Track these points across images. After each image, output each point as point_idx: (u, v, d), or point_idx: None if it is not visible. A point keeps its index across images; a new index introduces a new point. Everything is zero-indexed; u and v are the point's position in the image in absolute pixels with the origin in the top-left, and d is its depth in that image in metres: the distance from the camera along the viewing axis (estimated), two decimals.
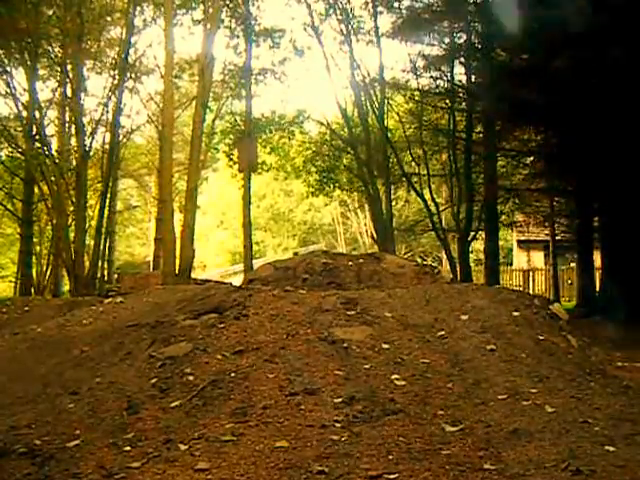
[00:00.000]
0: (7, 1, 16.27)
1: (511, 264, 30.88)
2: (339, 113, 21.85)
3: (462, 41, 17.27)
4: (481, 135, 18.44)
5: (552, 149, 15.25)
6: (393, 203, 21.96)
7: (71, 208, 18.88)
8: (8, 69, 19.57)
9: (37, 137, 19.25)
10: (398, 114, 21.14)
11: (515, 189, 18.09)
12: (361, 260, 8.53)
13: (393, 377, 4.24)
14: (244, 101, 20.60)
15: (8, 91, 19.73)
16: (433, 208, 19.55)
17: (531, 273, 27.13)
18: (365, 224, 33.02)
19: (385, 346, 4.67)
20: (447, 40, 17.97)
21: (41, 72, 20.84)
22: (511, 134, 16.38)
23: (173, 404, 4.05)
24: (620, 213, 12.59)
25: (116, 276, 21.40)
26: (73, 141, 20.77)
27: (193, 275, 17.51)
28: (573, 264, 21.77)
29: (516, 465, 3.15)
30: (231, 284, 8.22)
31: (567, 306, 13.01)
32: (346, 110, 21.29)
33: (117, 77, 20.32)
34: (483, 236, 19.24)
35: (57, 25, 18.92)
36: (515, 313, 5.40)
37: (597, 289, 14.74)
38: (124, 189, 30.34)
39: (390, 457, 3.29)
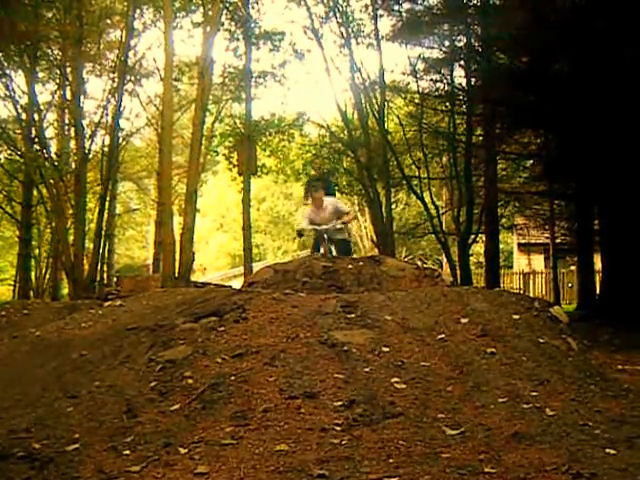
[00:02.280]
0: (6, 3, 16.28)
1: (511, 267, 30.93)
2: (339, 116, 21.87)
3: (462, 44, 17.31)
4: (481, 138, 18.47)
5: (552, 152, 15.29)
6: (393, 206, 21.98)
7: (70, 211, 18.91)
8: (7, 72, 19.61)
9: (36, 140, 19.29)
10: (398, 117, 21.15)
11: (515, 192, 18.14)
12: (361, 263, 8.50)
13: (393, 380, 4.23)
14: (244, 104, 20.62)
15: (7, 93, 19.78)
16: (433, 211, 19.56)
17: (531, 276, 27.18)
18: (365, 227, 33.02)
19: (385, 349, 4.66)
20: (447, 43, 18.03)
21: (40, 75, 20.87)
22: (511, 137, 16.42)
23: (173, 408, 4.04)
24: (620, 216, 12.60)
25: (115, 279, 21.45)
26: (72, 144, 20.83)
27: (193, 278, 17.53)
28: (573, 267, 21.82)
29: (516, 468, 3.14)
30: (231, 287, 8.20)
31: (567, 309, 13.01)
32: (346, 113, 21.31)
33: (116, 80, 20.35)
34: (483, 239, 19.26)
35: (56, 28, 18.93)
36: (515, 316, 5.39)
37: (597, 292, 14.76)
38: (123, 192, 30.37)
39: (390, 460, 3.28)
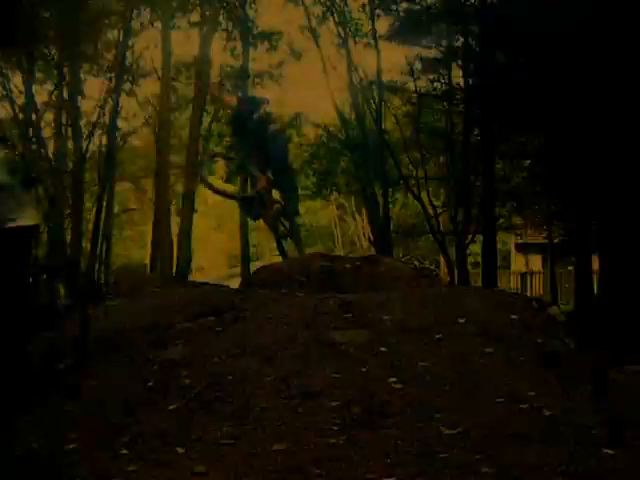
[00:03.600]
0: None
1: (509, 267, 30.87)
2: (336, 115, 21.87)
3: (460, 44, 17.32)
4: (479, 138, 18.46)
5: (550, 152, 15.28)
6: (390, 206, 21.98)
7: (68, 211, 18.88)
8: (4, 72, 19.57)
9: (34, 140, 19.24)
10: (395, 116, 21.15)
11: (513, 192, 18.11)
12: (359, 263, 8.50)
13: (390, 380, 4.23)
14: None
15: (4, 94, 19.75)
16: (431, 211, 19.55)
17: (529, 276, 27.12)
18: (363, 227, 33.00)
19: (383, 349, 4.66)
20: (445, 43, 18.03)
21: (38, 75, 20.82)
22: (509, 137, 16.40)
23: (170, 407, 4.04)
24: (618, 216, 12.59)
25: (113, 279, 21.40)
26: (70, 144, 20.77)
27: (190, 278, 17.50)
28: (571, 267, 21.79)
29: (514, 469, 3.14)
30: (228, 287, 8.20)
31: (565, 309, 13.00)
32: (343, 112, 21.30)
33: (114, 80, 20.33)
34: (481, 239, 19.25)
35: (54, 28, 18.90)
36: (513, 316, 5.39)
37: (595, 292, 14.75)
38: (121, 192, 30.32)
39: (388, 460, 3.28)
